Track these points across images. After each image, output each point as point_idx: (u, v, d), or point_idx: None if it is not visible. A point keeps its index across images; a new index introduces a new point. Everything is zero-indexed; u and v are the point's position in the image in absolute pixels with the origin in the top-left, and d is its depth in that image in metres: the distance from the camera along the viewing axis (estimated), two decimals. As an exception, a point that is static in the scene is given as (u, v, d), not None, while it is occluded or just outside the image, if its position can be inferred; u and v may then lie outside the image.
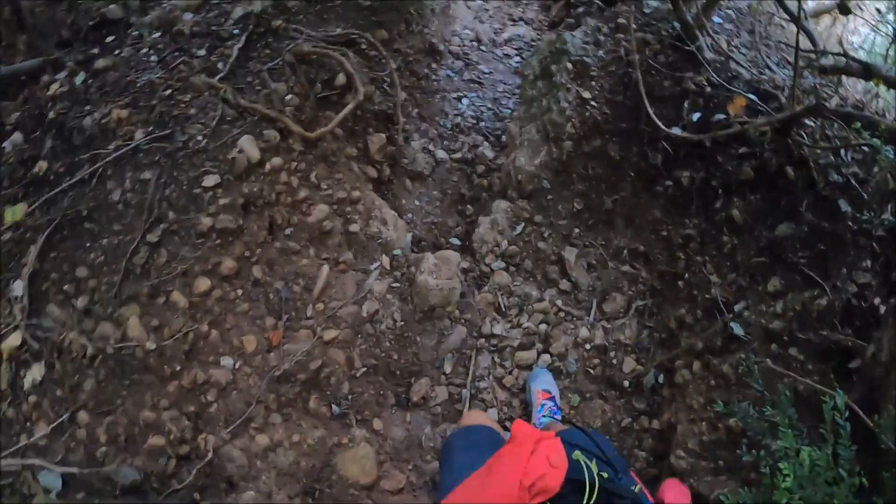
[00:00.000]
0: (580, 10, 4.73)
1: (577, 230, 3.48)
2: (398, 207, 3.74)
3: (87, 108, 3.05)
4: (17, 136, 2.95)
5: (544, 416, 2.83)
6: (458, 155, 4.08)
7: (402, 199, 3.77)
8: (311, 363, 2.78)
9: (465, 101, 4.49)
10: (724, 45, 3.64)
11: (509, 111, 4.48)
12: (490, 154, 4.05)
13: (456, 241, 3.69)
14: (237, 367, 2.64)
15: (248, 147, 2.94)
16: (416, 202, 3.79)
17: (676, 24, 3.65)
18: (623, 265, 3.40)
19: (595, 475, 1.25)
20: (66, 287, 2.56)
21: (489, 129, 4.33)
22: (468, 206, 3.85)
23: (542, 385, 3.02)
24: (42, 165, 2.81)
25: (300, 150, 3.20)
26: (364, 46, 3.91)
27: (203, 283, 2.64)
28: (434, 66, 4.56)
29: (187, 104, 3.04)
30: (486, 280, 3.42)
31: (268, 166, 3.01)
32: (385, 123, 3.81)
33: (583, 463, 1.27)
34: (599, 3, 4.26)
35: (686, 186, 3.27)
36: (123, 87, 3.15)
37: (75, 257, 2.62)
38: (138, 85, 3.13)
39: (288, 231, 3.03)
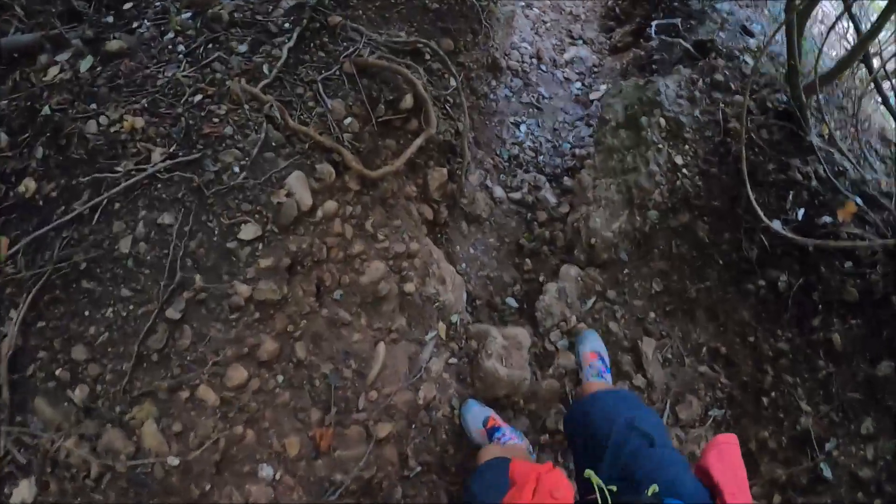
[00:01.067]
0: (653, 43, 3.99)
1: (653, 315, 2.81)
2: (452, 256, 2.99)
3: (93, 106, 2.20)
4: (1, 136, 2.09)
5: (593, 375, 2.53)
6: (518, 195, 3.33)
7: (456, 244, 3.02)
8: (364, 471, 2.07)
9: (522, 128, 3.73)
10: (829, 131, 2.97)
11: (569, 146, 3.74)
12: (552, 200, 3.32)
13: (513, 303, 2.98)
14: (278, 477, 1.91)
15: (299, 188, 2.16)
16: (472, 250, 3.05)
17: (783, 96, 2.97)
18: (701, 365, 2.76)
19: (607, 493, 1.14)
20: (59, 372, 1.77)
21: (549, 167, 3.59)
22: (527, 261, 3.13)
23: (590, 346, 2.67)
24: (29, 185, 1.98)
25: (356, 191, 2.43)
26: (428, 57, 3.11)
27: (238, 374, 1.89)
28: (494, 83, 3.77)
29: (222, 119, 2.23)
30: (550, 360, 2.73)
31: (319, 213, 2.24)
32: (445, 155, 3.04)
33: (594, 483, 1.18)
34: (691, 49, 3.52)
35: (781, 291, 2.68)
36: (140, 82, 2.31)
37: (71, 331, 1.82)
38: (159, 83, 2.29)
39: (337, 295, 2.28)
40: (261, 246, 2.07)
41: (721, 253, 2.82)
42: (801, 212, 2.74)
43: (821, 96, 2.98)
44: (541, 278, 3.04)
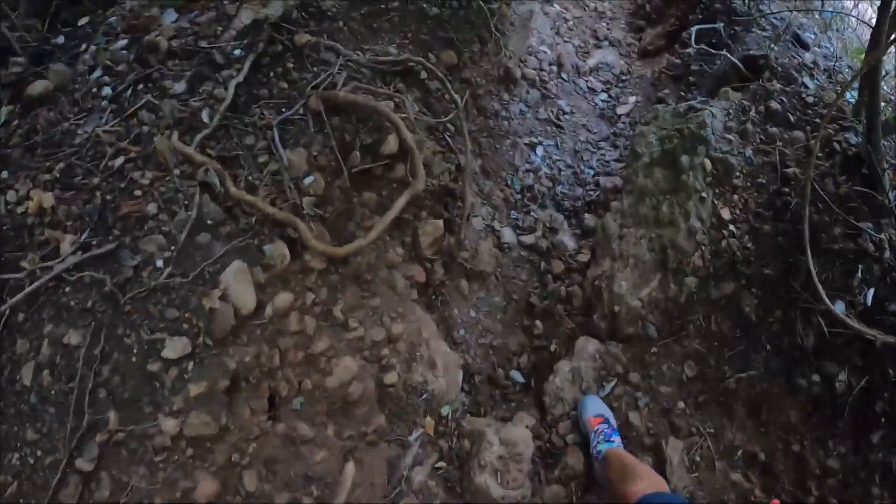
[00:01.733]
0: (690, 51, 3.32)
1: (682, 405, 2.27)
2: (449, 321, 2.46)
3: (3, 175, 1.69)
4: None
5: (600, 442, 2.11)
6: (530, 239, 2.76)
7: (454, 307, 2.49)
8: None
9: (539, 150, 3.13)
10: None
11: (592, 172, 3.13)
12: (571, 244, 2.74)
13: (519, 378, 2.45)
14: None
15: (239, 286, 1.64)
16: (473, 312, 2.52)
17: (853, 137, 2.33)
18: (734, 472, 2.23)
19: None
20: None
21: (569, 200, 3.00)
22: (537, 323, 2.59)
23: (593, 411, 2.23)
24: None
25: (321, 270, 1.90)
26: (424, 75, 2.52)
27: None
28: (507, 97, 3.15)
29: (145, 191, 1.71)
30: (556, 458, 2.22)
31: (269, 311, 1.72)
32: (442, 200, 2.47)
33: None
34: (739, 65, 2.85)
35: (839, 393, 2.17)
36: (58, 140, 1.79)
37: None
38: (77, 141, 1.77)
39: (297, 404, 1.80)
40: (191, 366, 1.57)
41: (770, 335, 2.25)
42: (870, 293, 2.16)
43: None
44: (552, 347, 2.50)
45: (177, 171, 1.69)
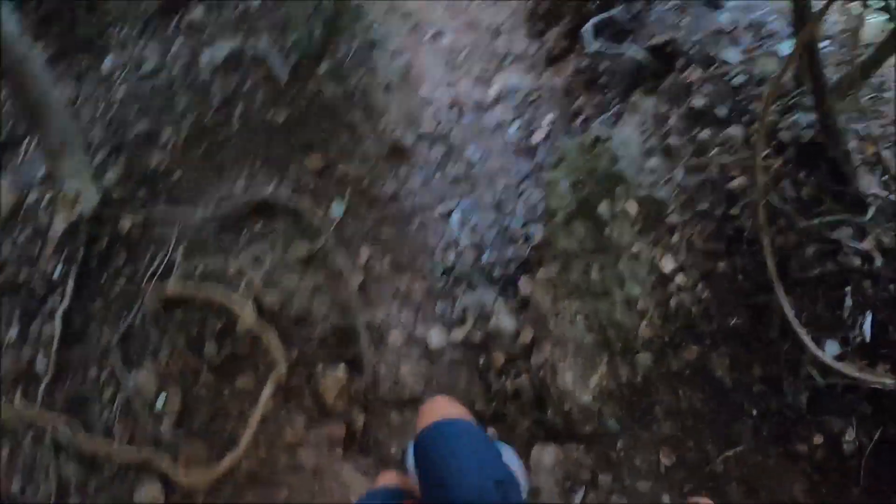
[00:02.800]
0: (595, 47, 2.82)
1: (667, 500, 1.81)
2: (388, 461, 2.05)
3: None
4: None
5: None
6: (461, 334, 2.34)
7: (390, 445, 2.06)
8: None
9: (455, 218, 2.67)
10: (878, 152, 1.84)
11: (520, 223, 2.67)
12: (509, 325, 2.31)
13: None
14: None
15: None
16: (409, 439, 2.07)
17: (804, 116, 1.84)
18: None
19: None
20: None
21: (499, 266, 2.55)
22: (488, 429, 2.14)
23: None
24: None
25: (209, 492, 1.51)
26: (291, 204, 2.11)
27: None
28: (403, 171, 2.70)
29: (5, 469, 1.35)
30: None
31: None
32: (343, 341, 2.06)
33: None
34: (647, 61, 2.36)
35: (848, 455, 1.70)
36: None
37: None
38: None
39: None
40: None
41: (753, 399, 1.81)
42: (867, 321, 1.67)
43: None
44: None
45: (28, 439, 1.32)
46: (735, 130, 1.98)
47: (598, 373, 1.93)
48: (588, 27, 2.79)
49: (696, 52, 2.37)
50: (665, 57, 2.47)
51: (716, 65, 2.29)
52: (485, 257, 2.62)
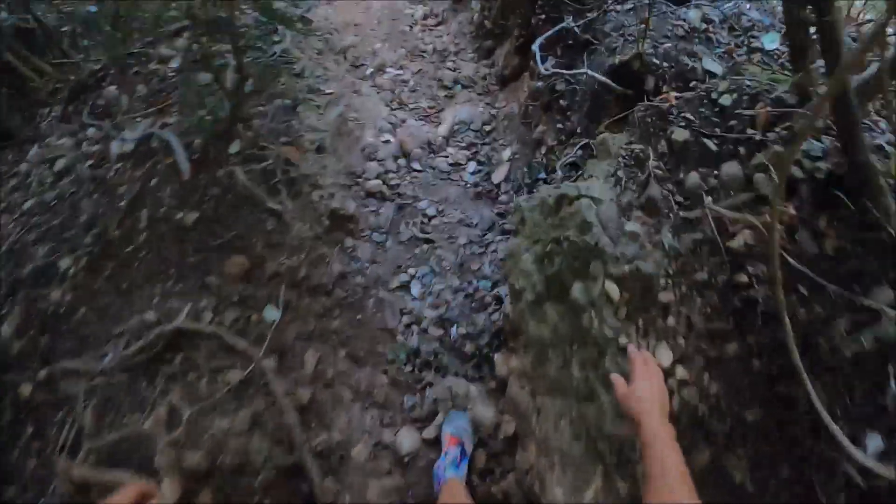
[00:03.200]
0: (548, 65, 2.40)
1: None
2: None
3: None
4: None
5: (447, 467, 1.79)
6: (434, 431, 1.94)
7: None
8: None
9: (414, 290, 2.29)
10: None
11: (488, 284, 2.26)
12: (487, 415, 1.94)
13: None
14: None
15: None
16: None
17: (815, 143, 1.42)
18: None
19: None
20: None
21: (470, 341, 2.15)
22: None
23: (453, 428, 1.91)
24: None
25: None
26: (207, 329, 1.71)
27: None
28: (349, 243, 2.29)
29: None
30: None
31: None
32: (292, 479, 1.66)
33: None
34: (612, 84, 1.95)
35: None
36: None
37: None
38: None
39: None
40: None
41: None
42: None
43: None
44: None
45: None
46: (731, 168, 1.54)
47: (592, 487, 1.52)
48: (536, 46, 2.36)
49: (667, 65, 1.94)
50: (631, 76, 2.03)
51: (695, 80, 1.86)
52: (453, 332, 2.21)
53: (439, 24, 3.39)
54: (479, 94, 3.00)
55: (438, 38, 3.30)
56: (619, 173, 1.68)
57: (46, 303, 1.79)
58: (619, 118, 1.94)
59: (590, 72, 2.03)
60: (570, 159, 2.09)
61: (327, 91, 2.89)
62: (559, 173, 2.10)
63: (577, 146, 2.08)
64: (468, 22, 3.30)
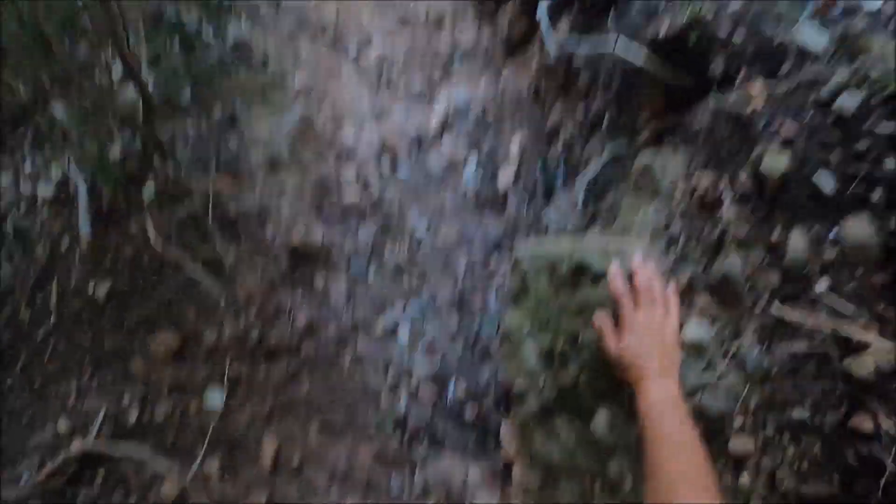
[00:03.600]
0: (563, 44, 1.79)
1: None
2: None
3: None
4: None
5: None
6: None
7: None
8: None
9: (402, 333, 1.83)
10: None
11: (496, 325, 1.74)
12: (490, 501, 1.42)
13: None
14: None
15: None
16: None
17: None
18: None
19: None
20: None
21: (471, 404, 1.66)
22: None
23: None
24: None
25: None
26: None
27: None
28: (317, 283, 1.81)
29: None
30: None
31: None
32: None
33: None
34: (654, 68, 1.31)
35: None
36: None
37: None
38: None
39: None
40: None
41: None
42: None
43: None
44: None
45: None
46: (859, 228, 0.90)
47: None
48: (542, 9, 1.72)
49: (742, 37, 1.27)
50: (685, 53, 1.37)
51: (787, 65, 1.19)
52: (450, 390, 1.72)
53: (434, -20, 2.74)
54: (481, 68, 2.38)
55: (433, 2, 2.66)
56: (674, 227, 1.09)
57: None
58: (667, 128, 1.32)
59: (619, 48, 1.39)
60: (594, 173, 1.49)
61: (296, 84, 2.34)
62: (578, 197, 1.51)
63: (605, 157, 1.48)
64: (466, -23, 2.64)
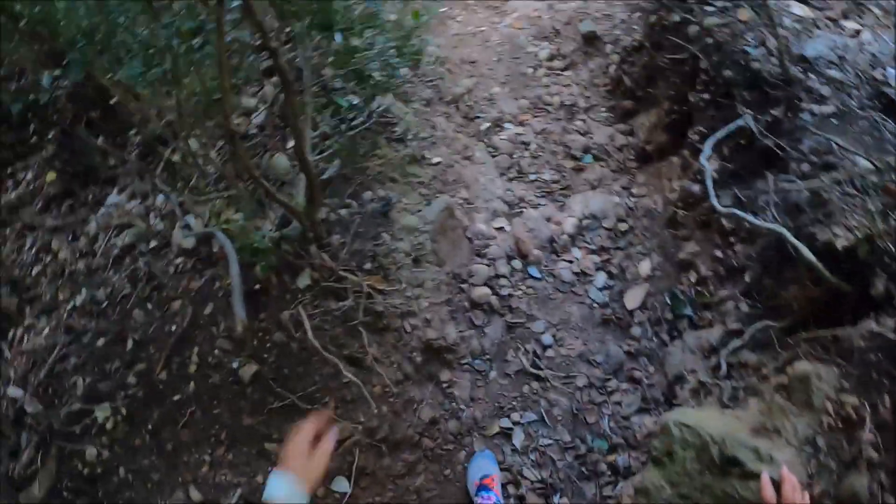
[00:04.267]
0: (730, 210, 1.82)
1: None
2: None
3: None
4: None
5: None
6: None
7: None
8: None
9: (517, 439, 1.95)
10: None
11: (604, 446, 1.83)
12: None
13: None
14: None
15: None
16: None
17: None
18: None
19: None
20: None
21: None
22: None
23: (484, 471, 1.76)
24: None
25: None
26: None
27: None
28: (443, 378, 1.91)
29: None
30: None
31: None
32: None
33: None
34: (828, 277, 1.35)
35: None
36: None
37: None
38: None
39: None
40: None
41: None
42: None
43: None
44: None
45: None
46: None
47: None
48: (705, 158, 1.75)
49: None
50: (850, 261, 1.36)
51: None
52: (555, 502, 1.78)
53: (567, 67, 2.78)
54: (614, 172, 2.41)
55: (566, 87, 2.70)
56: (819, 440, 1.14)
57: (81, 460, 1.55)
58: (820, 320, 1.34)
59: (787, 233, 1.41)
60: (738, 345, 1.52)
61: (433, 160, 2.43)
62: (722, 369, 1.54)
63: (748, 336, 1.50)
64: (602, 71, 2.66)
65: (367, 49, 2.09)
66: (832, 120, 1.75)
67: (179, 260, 2.09)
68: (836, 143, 1.60)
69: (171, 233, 2.18)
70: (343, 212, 1.89)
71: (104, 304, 2.08)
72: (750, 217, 1.53)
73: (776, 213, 1.57)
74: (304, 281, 1.68)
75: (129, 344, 1.87)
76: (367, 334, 1.71)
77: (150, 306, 1.98)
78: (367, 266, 1.75)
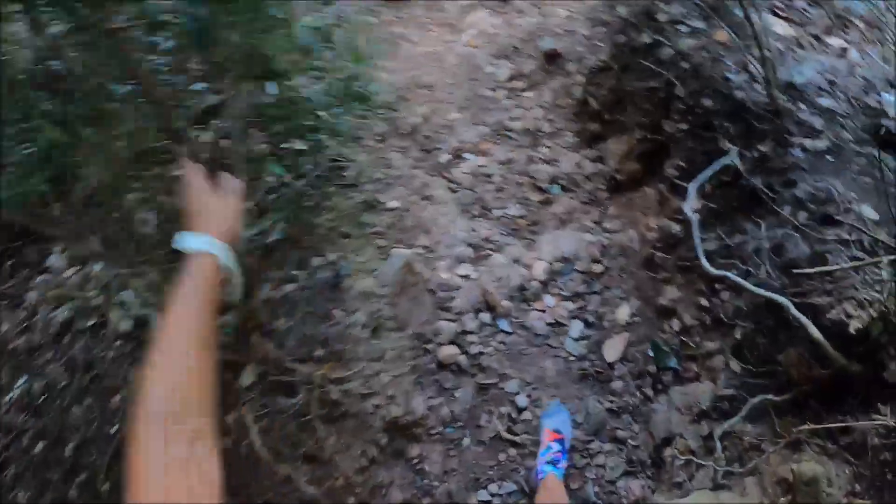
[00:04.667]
0: (719, 273, 1.69)
1: None
2: None
3: None
4: None
5: (548, 462, 1.68)
6: None
7: None
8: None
9: None
10: None
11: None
12: None
13: None
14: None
15: None
16: None
17: None
18: None
19: None
20: None
21: None
22: None
23: (553, 423, 1.77)
24: None
25: None
26: None
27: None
28: (415, 457, 1.75)
29: None
30: None
31: None
32: None
33: None
34: (837, 358, 1.21)
35: None
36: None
37: None
38: None
39: None
40: None
41: None
42: None
43: None
44: None
45: None
46: None
47: None
48: (689, 206, 1.59)
49: None
50: (860, 340, 1.22)
51: None
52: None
53: (528, 88, 2.60)
54: (584, 203, 2.26)
55: (529, 110, 2.53)
56: None
57: None
58: (825, 393, 1.21)
59: (791, 307, 1.25)
60: (734, 422, 1.39)
61: (389, 204, 2.25)
62: (717, 451, 1.41)
63: (745, 411, 1.36)
64: (565, 92, 2.49)
65: (307, 99, 1.90)
66: (827, 157, 1.60)
67: (118, 343, 1.90)
68: (837, 190, 1.46)
69: (107, 312, 1.99)
70: (289, 287, 1.71)
71: (42, 398, 1.89)
72: (748, 285, 1.37)
73: (771, 269, 1.43)
74: (247, 379, 1.51)
75: (69, 449, 1.68)
76: (323, 426, 1.55)
77: (89, 400, 1.80)
78: (319, 353, 1.58)
